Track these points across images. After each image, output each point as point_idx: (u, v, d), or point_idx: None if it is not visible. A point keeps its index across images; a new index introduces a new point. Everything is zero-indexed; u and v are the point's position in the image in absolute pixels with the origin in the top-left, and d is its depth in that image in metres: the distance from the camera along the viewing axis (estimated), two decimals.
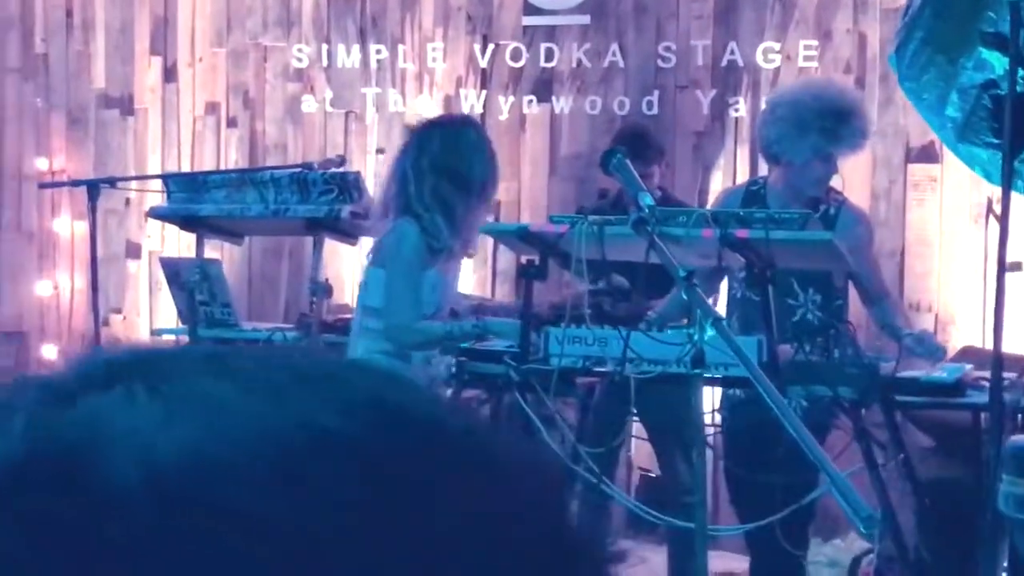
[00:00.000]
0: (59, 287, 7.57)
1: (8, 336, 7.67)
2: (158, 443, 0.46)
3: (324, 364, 0.53)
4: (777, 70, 6.08)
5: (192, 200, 5.52)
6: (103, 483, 0.46)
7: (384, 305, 4.26)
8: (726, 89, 6.20)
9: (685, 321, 4.01)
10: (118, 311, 7.39)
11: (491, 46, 6.61)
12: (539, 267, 4.03)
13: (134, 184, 6.47)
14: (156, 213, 5.84)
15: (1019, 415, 4.02)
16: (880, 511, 3.71)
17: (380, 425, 0.50)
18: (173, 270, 5.58)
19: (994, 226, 5.36)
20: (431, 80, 6.73)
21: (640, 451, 5.71)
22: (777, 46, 6.10)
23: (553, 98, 6.51)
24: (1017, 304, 4.92)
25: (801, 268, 4.22)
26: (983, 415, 4.01)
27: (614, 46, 6.39)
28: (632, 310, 4.09)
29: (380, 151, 6.81)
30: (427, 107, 6.66)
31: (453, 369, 4.31)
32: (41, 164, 7.57)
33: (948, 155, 5.08)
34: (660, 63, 6.32)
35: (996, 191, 4.40)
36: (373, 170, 6.70)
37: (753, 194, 4.51)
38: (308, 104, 6.97)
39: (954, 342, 5.42)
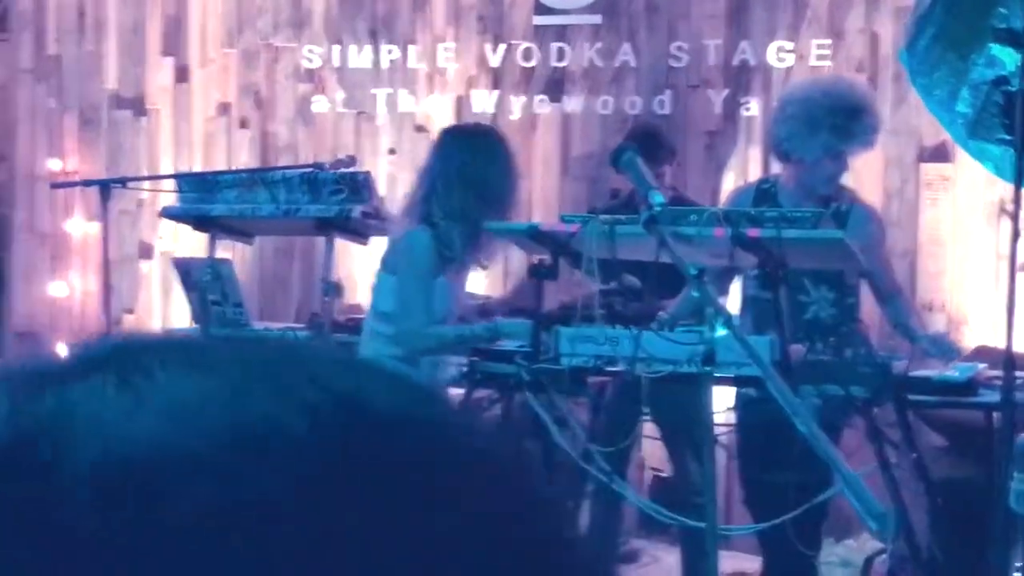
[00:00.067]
0: (72, 287, 7.59)
1: (21, 336, 7.69)
2: (117, 434, 0.47)
3: (302, 359, 0.52)
4: (789, 69, 6.07)
5: (203, 200, 5.53)
6: (56, 471, 0.46)
7: (396, 311, 4.27)
8: (738, 88, 6.18)
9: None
10: (130, 311, 7.40)
11: (502, 46, 6.60)
12: (550, 267, 4.02)
13: (146, 184, 6.48)
14: (168, 213, 5.85)
15: None
16: (893, 510, 3.70)
17: (341, 424, 0.49)
18: (185, 270, 5.59)
19: (1007, 225, 5.35)
20: (442, 80, 6.73)
21: (652, 451, 5.70)
22: (790, 45, 6.08)
23: (564, 98, 6.51)
24: None
25: (813, 267, 4.21)
26: (995, 414, 4.00)
27: (626, 45, 6.38)
28: (644, 310, 4.09)
29: (391, 151, 6.81)
30: (438, 108, 6.66)
31: (464, 369, 4.31)
32: (54, 165, 7.59)
33: (961, 154, 5.07)
34: (672, 62, 6.31)
35: (1008, 189, 4.38)
36: (384, 171, 6.70)
37: (764, 192, 4.50)
38: (319, 104, 6.98)
39: (967, 342, 5.40)
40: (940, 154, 5.81)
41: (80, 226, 7.54)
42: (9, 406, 0.48)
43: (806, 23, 6.06)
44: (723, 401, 4.45)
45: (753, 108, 6.14)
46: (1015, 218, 3.69)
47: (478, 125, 5.24)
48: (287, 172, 5.49)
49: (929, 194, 5.85)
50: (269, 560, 0.46)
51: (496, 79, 6.62)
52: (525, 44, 6.57)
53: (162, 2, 7.36)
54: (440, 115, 6.60)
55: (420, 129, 6.68)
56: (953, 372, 4.12)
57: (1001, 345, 3.77)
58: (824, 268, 4.26)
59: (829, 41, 6.02)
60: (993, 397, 3.89)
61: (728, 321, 3.27)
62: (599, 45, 6.44)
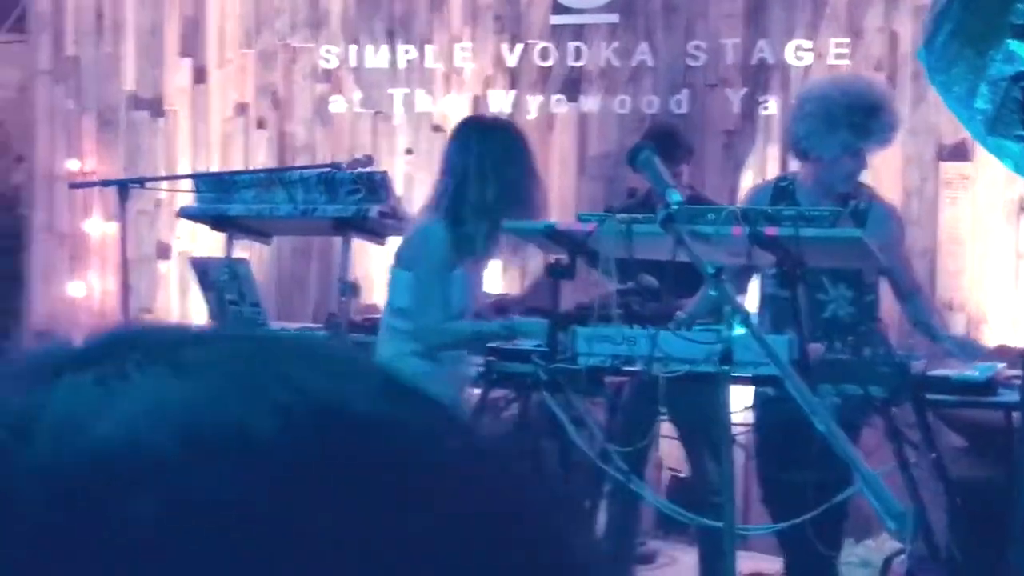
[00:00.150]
0: (90, 287, 7.61)
1: (40, 336, 7.71)
2: (81, 433, 0.47)
3: (282, 359, 0.51)
4: (808, 68, 6.05)
5: (221, 200, 5.53)
6: (15, 465, 0.46)
7: (412, 307, 4.26)
8: (756, 87, 6.17)
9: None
10: (149, 311, 7.41)
11: (519, 45, 6.59)
12: (567, 266, 4.01)
13: (164, 184, 6.49)
14: (186, 213, 5.86)
15: None
16: (912, 510, 3.68)
17: (313, 427, 0.48)
18: (202, 270, 5.59)
19: None
20: (459, 80, 6.73)
21: (669, 451, 5.68)
22: (808, 44, 6.06)
23: (582, 97, 6.50)
24: None
25: (831, 266, 4.20)
26: (1015, 414, 3.98)
27: (643, 45, 6.37)
28: (661, 310, 4.07)
29: (408, 151, 6.81)
30: (455, 107, 6.66)
31: (481, 369, 4.30)
32: (72, 165, 7.61)
33: (980, 153, 5.04)
34: (690, 62, 6.29)
35: None
36: (401, 170, 6.70)
37: (782, 190, 4.49)
38: (336, 104, 6.98)
39: (986, 341, 5.38)
40: (959, 152, 5.78)
41: (98, 226, 7.56)
42: None
43: (825, 21, 6.04)
44: (741, 400, 4.43)
45: (771, 107, 6.12)
46: None
47: (496, 118, 5.24)
48: (304, 172, 5.49)
49: (949, 193, 5.82)
50: (225, 565, 0.45)
51: (513, 79, 6.62)
52: (542, 43, 6.56)
53: (180, 3, 7.37)
54: (457, 115, 6.59)
55: (437, 129, 6.67)
56: (972, 372, 4.10)
57: (1021, 344, 3.76)
58: (842, 267, 4.24)
59: (848, 40, 6.00)
60: (1012, 397, 3.87)
61: (746, 320, 3.25)
62: (616, 44, 6.42)
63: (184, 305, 7.32)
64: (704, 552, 4.85)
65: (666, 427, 4.86)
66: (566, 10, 6.51)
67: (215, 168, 7.15)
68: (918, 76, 5.61)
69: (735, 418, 4.01)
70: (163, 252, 7.43)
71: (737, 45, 6.20)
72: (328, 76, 7.02)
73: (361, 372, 0.52)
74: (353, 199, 5.20)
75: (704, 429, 4.35)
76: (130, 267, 5.66)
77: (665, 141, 4.87)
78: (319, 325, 5.51)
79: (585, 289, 4.54)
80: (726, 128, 6.21)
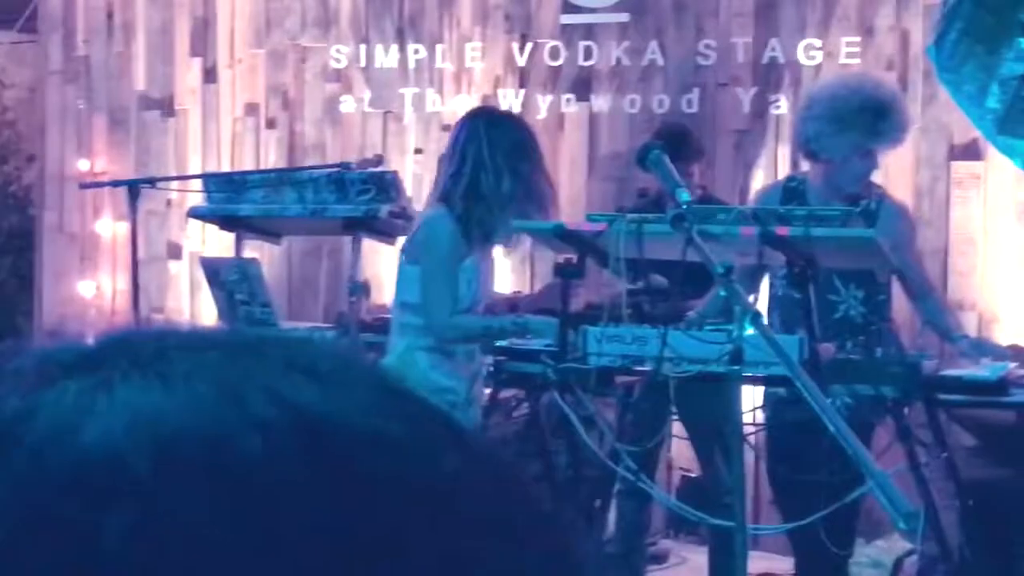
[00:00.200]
0: (101, 288, 7.62)
1: (51, 336, 7.70)
2: (58, 445, 0.47)
3: (272, 368, 0.50)
4: (819, 67, 6.04)
5: (231, 200, 5.54)
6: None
7: (421, 300, 4.24)
8: (767, 86, 6.15)
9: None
10: (160, 311, 7.42)
11: (529, 45, 6.59)
12: (576, 266, 4.01)
13: (174, 184, 6.50)
14: (196, 213, 5.87)
15: None
16: (923, 511, 3.67)
17: (295, 443, 0.47)
18: (213, 270, 5.60)
19: None
20: (469, 80, 6.72)
21: (681, 451, 5.68)
22: (819, 43, 6.05)
23: (592, 97, 6.49)
24: None
25: (842, 266, 4.18)
26: None
27: (653, 44, 6.36)
28: (671, 310, 4.06)
29: (418, 151, 6.81)
30: (465, 107, 6.65)
31: (491, 368, 4.29)
32: (83, 165, 7.62)
33: (992, 152, 5.03)
34: (700, 61, 6.28)
35: None
36: (411, 170, 6.70)
37: (792, 190, 4.47)
38: (346, 104, 6.98)
39: (998, 340, 5.36)
40: (971, 152, 5.77)
41: (109, 226, 7.57)
42: None
43: (835, 20, 6.03)
44: (751, 400, 4.42)
45: (782, 106, 6.11)
46: None
47: (503, 110, 5.22)
48: (314, 172, 5.50)
49: (960, 192, 5.81)
50: None
51: (523, 78, 6.61)
52: (552, 43, 6.55)
53: (190, 3, 7.38)
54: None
55: (447, 128, 6.65)
56: (984, 371, 4.09)
57: None
58: (854, 267, 4.23)
59: (858, 38, 5.98)
60: None
61: (756, 319, 3.24)
62: (626, 44, 6.42)
63: (194, 305, 7.32)
64: (715, 552, 4.84)
65: (677, 427, 4.86)
66: (576, 9, 6.51)
67: (225, 168, 7.16)
68: (929, 75, 5.60)
69: (746, 418, 4.00)
70: (174, 252, 7.43)
71: (748, 44, 6.19)
72: (338, 76, 7.02)
73: (357, 382, 0.51)
74: (363, 199, 5.21)
75: (714, 429, 4.34)
76: (140, 267, 5.67)
77: (675, 141, 4.86)
78: (329, 325, 5.51)
79: (596, 289, 4.54)
80: (737, 127, 6.20)
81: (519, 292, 5.74)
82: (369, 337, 5.02)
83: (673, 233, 3.47)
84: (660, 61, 6.36)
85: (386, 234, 5.28)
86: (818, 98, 4.38)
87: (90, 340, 0.52)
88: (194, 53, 7.39)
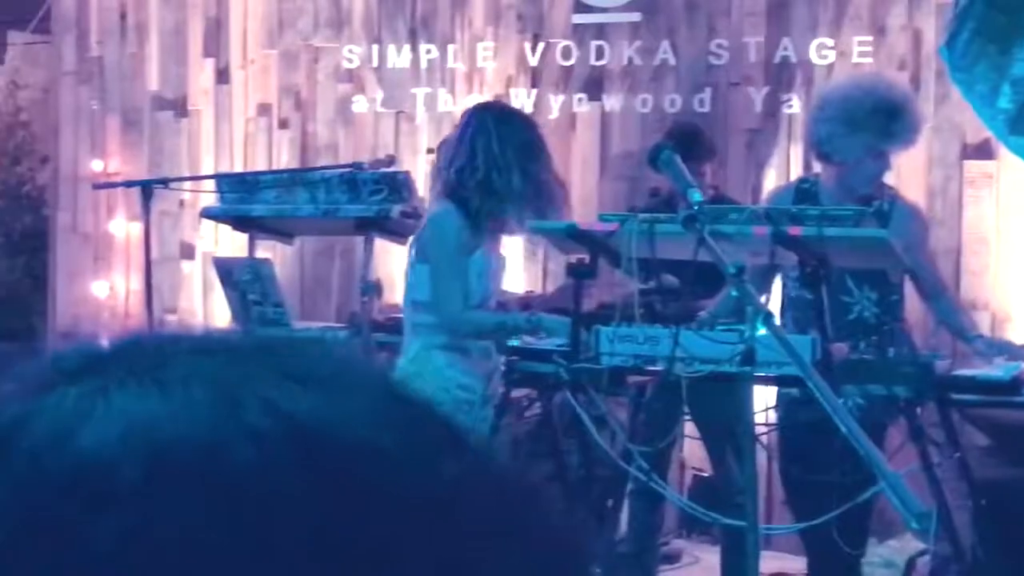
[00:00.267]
0: (114, 288, 7.63)
1: (64, 336, 7.74)
2: (54, 451, 0.47)
3: (270, 376, 0.50)
4: (831, 66, 6.03)
5: (243, 200, 5.55)
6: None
7: (432, 295, 4.24)
8: (779, 86, 6.15)
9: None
10: (173, 311, 7.44)
11: (541, 45, 6.59)
12: (589, 266, 4.01)
13: (187, 185, 6.51)
14: (208, 213, 5.89)
15: None
16: (935, 510, 3.67)
17: (289, 453, 0.47)
18: (225, 270, 5.61)
19: None
20: (481, 80, 6.73)
21: (693, 451, 5.67)
22: (831, 42, 6.04)
23: (604, 96, 6.49)
24: None
25: (855, 266, 4.18)
26: None
27: (665, 43, 6.36)
28: (683, 310, 4.06)
29: (430, 151, 6.80)
30: None
31: (503, 367, 4.29)
32: (96, 166, 7.64)
33: (1004, 152, 5.02)
34: (712, 60, 6.28)
35: None
36: (423, 170, 6.70)
37: (804, 192, 4.47)
38: (359, 104, 6.99)
39: (1011, 340, 5.34)
40: (983, 151, 5.75)
41: (122, 226, 7.59)
42: None
43: (848, 20, 6.02)
44: (764, 400, 4.42)
45: (794, 105, 6.10)
46: None
47: (509, 105, 5.22)
48: (326, 172, 5.51)
49: (972, 192, 5.79)
50: None
51: (535, 78, 6.61)
52: (564, 42, 6.55)
53: (203, 4, 7.39)
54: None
55: None
56: (997, 371, 4.08)
57: None
58: (866, 267, 4.22)
59: (871, 38, 5.97)
60: None
61: (768, 320, 3.24)
62: (638, 43, 6.41)
63: (207, 305, 7.34)
64: (727, 551, 4.84)
65: (689, 427, 4.86)
66: (588, 9, 6.51)
67: (238, 168, 7.17)
68: (942, 74, 5.59)
69: (758, 418, 4.00)
70: (187, 252, 7.45)
71: (760, 44, 6.18)
72: (350, 76, 7.03)
73: (357, 389, 0.51)
74: (375, 199, 5.22)
75: (727, 429, 4.33)
76: (154, 267, 5.68)
77: (687, 140, 4.87)
78: (342, 325, 5.52)
79: (609, 289, 4.54)
80: (749, 127, 6.20)
81: (532, 292, 5.74)
82: (381, 337, 5.03)
83: (685, 233, 3.47)
84: (672, 61, 6.35)
85: (398, 234, 5.29)
86: (830, 100, 4.37)
87: (95, 344, 0.52)
88: (207, 54, 7.40)
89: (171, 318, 7.42)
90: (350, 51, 7.01)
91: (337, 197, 5.31)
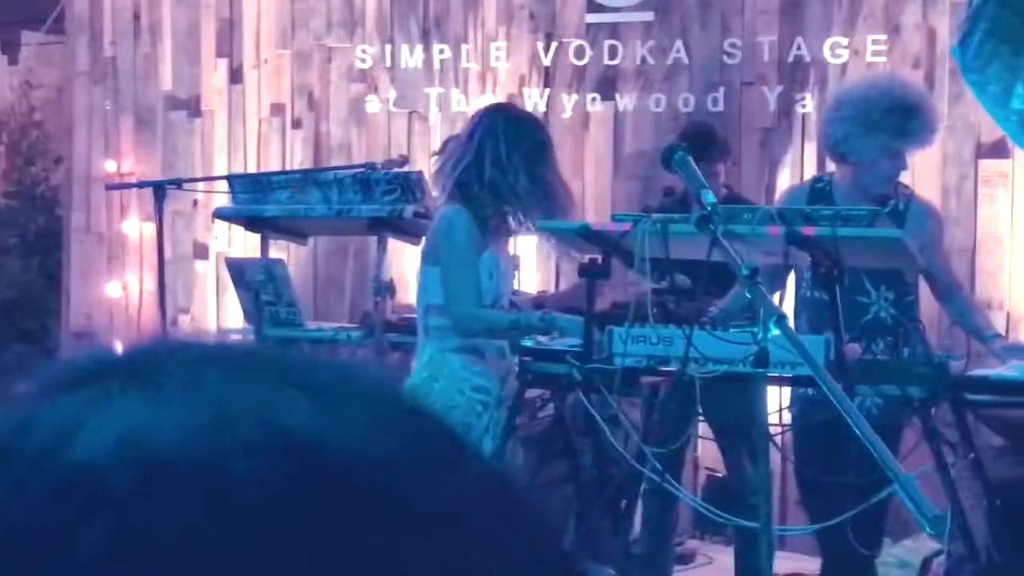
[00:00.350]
0: (128, 288, 7.65)
1: (78, 336, 7.75)
2: (49, 458, 0.47)
3: (267, 387, 0.50)
4: (845, 65, 6.01)
5: (257, 201, 5.56)
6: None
7: (445, 298, 4.24)
8: (793, 85, 6.13)
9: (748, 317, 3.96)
10: (186, 311, 7.45)
11: (554, 44, 6.59)
12: (602, 266, 4.00)
13: (200, 185, 6.52)
14: (221, 214, 5.90)
15: None
16: (950, 511, 3.65)
17: (282, 466, 0.46)
18: (238, 270, 5.61)
19: None
20: (494, 79, 6.72)
21: (707, 451, 5.67)
22: (845, 41, 6.03)
23: (617, 96, 6.48)
24: None
25: (869, 266, 4.16)
26: None
27: (678, 43, 6.35)
28: (697, 310, 4.05)
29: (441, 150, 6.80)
30: None
31: (516, 368, 4.29)
32: (110, 166, 7.65)
33: (1019, 151, 5.00)
34: (725, 59, 6.27)
35: None
36: (434, 170, 6.70)
37: (819, 192, 4.45)
38: (372, 104, 6.99)
39: None
40: (998, 150, 5.73)
41: (136, 227, 7.60)
42: None
43: (862, 18, 6.00)
44: (778, 400, 4.41)
45: (808, 105, 6.09)
46: None
47: (519, 107, 5.21)
48: (340, 172, 5.52)
49: (987, 191, 5.78)
50: None
51: (548, 77, 6.61)
52: (577, 42, 6.55)
53: (216, 4, 7.40)
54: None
55: None
56: (1011, 371, 4.06)
57: None
58: (880, 267, 4.21)
59: (885, 36, 5.96)
60: None
61: (781, 322, 3.23)
62: (651, 42, 6.41)
63: (220, 306, 7.35)
64: (740, 552, 4.83)
65: (702, 427, 4.85)
66: (601, 8, 6.50)
67: (251, 168, 7.18)
68: (956, 73, 5.56)
69: (772, 418, 3.99)
70: (200, 252, 7.46)
71: (773, 43, 6.17)
72: (363, 76, 7.03)
73: (356, 402, 0.50)
74: (388, 199, 5.22)
75: (740, 429, 4.33)
76: (167, 267, 5.69)
77: (701, 140, 4.86)
78: (355, 325, 5.52)
79: (623, 289, 4.53)
80: (763, 126, 6.18)
81: (544, 291, 5.73)
82: (394, 337, 5.04)
83: (699, 233, 3.47)
84: (685, 60, 6.34)
85: (411, 234, 5.29)
86: (846, 100, 4.36)
87: (102, 350, 0.52)
88: (220, 54, 7.41)
89: (184, 318, 7.43)
90: (363, 51, 7.01)
91: (350, 197, 5.32)
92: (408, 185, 5.22)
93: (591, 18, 6.52)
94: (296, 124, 7.22)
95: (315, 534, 0.45)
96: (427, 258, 4.36)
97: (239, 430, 0.47)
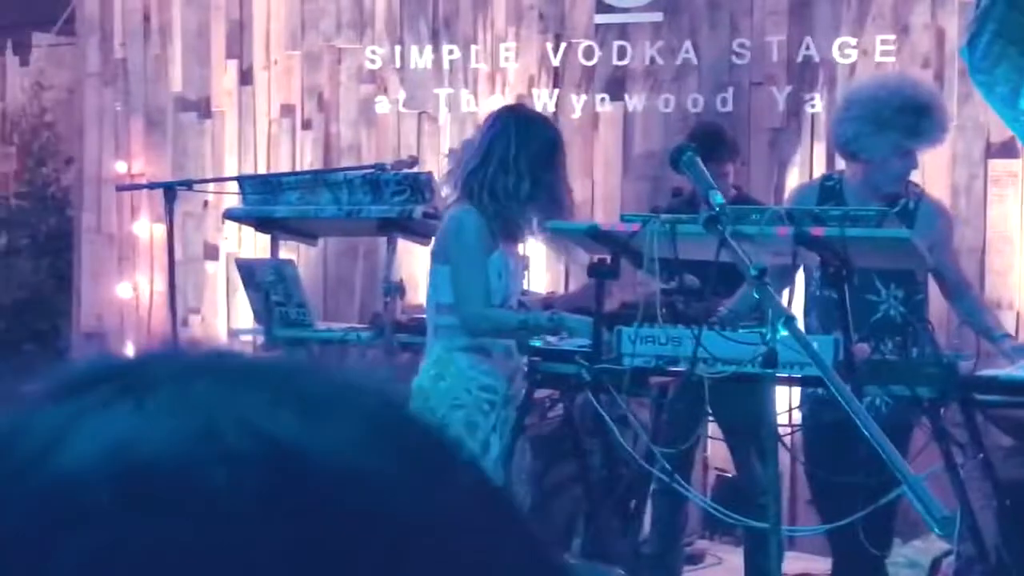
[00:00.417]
0: (138, 288, 7.66)
1: (88, 337, 7.77)
2: (41, 465, 0.47)
3: (255, 395, 0.49)
4: (853, 65, 6.01)
5: (267, 202, 5.57)
6: None
7: (454, 297, 4.24)
8: (802, 85, 6.13)
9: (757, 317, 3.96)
10: (196, 312, 7.47)
11: (563, 45, 6.59)
12: (610, 266, 4.00)
13: (211, 186, 6.53)
14: (231, 215, 5.91)
15: None
16: (959, 512, 3.65)
17: (264, 476, 0.46)
18: (248, 271, 5.63)
19: None
20: (503, 80, 6.73)
21: (716, 451, 5.67)
22: (853, 41, 6.02)
23: (626, 96, 6.48)
24: None
25: (878, 266, 4.17)
26: None
27: (687, 43, 6.35)
28: (706, 310, 4.06)
29: (452, 151, 6.81)
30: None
31: (525, 368, 4.29)
32: (120, 167, 7.67)
33: None
34: (734, 59, 6.27)
35: None
36: (445, 171, 6.70)
37: (829, 190, 4.45)
38: (382, 105, 7.00)
39: None
40: (1008, 150, 5.73)
41: (146, 227, 7.62)
42: None
43: (870, 18, 6.00)
44: (788, 400, 4.41)
45: (817, 105, 6.09)
46: None
47: (536, 111, 5.22)
48: (349, 173, 5.52)
49: (996, 190, 5.77)
50: None
51: (557, 78, 6.61)
52: (586, 43, 6.55)
53: (226, 5, 7.42)
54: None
55: None
56: (1021, 372, 4.06)
57: None
58: (889, 267, 4.21)
59: (893, 36, 5.95)
60: None
61: (790, 323, 3.23)
62: (660, 43, 6.41)
63: (231, 306, 7.36)
64: (750, 552, 4.83)
65: (712, 427, 4.85)
66: (610, 9, 6.50)
67: (261, 169, 7.19)
68: (965, 73, 5.56)
69: (781, 418, 3.99)
70: (210, 253, 7.47)
71: (782, 43, 6.17)
72: (373, 77, 7.04)
73: (349, 414, 0.50)
74: (398, 200, 5.23)
75: (749, 430, 4.33)
76: (177, 268, 5.70)
77: (710, 140, 4.86)
78: (365, 325, 5.53)
79: (632, 289, 4.53)
80: (771, 126, 6.18)
81: (553, 292, 5.74)
82: (404, 337, 5.04)
83: (707, 234, 3.47)
84: (694, 60, 6.34)
85: (420, 235, 5.30)
86: (856, 99, 4.35)
87: (100, 359, 0.52)
88: (230, 55, 7.42)
89: (195, 319, 7.45)
90: (372, 52, 7.02)
91: (360, 198, 5.32)
92: (418, 186, 5.23)
93: (600, 19, 6.53)
94: (306, 125, 7.24)
95: (299, 547, 0.45)
96: (437, 257, 4.37)
97: (226, 441, 0.47)
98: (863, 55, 6.00)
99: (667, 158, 3.91)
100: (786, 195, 5.60)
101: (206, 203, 7.23)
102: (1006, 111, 4.07)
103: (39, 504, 0.46)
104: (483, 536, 0.49)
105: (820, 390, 3.95)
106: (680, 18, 6.38)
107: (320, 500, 0.46)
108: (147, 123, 7.66)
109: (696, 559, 5.67)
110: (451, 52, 6.83)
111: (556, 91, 6.60)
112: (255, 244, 6.96)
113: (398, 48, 6.96)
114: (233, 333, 7.00)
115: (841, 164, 4.71)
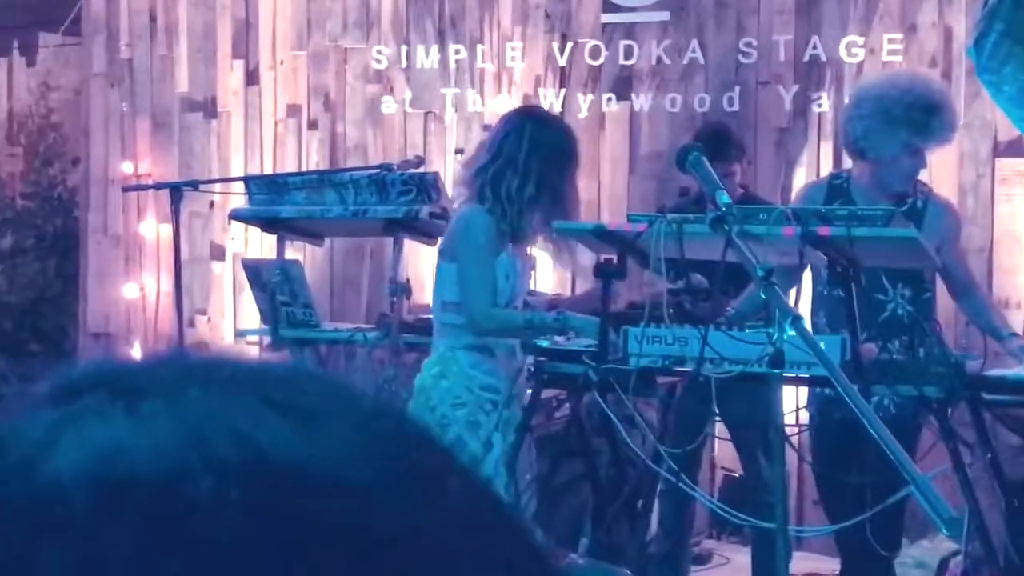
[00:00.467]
0: (145, 289, 7.67)
1: (95, 338, 7.78)
2: (28, 471, 0.47)
3: (244, 401, 0.49)
4: (861, 64, 6.00)
5: (273, 202, 5.57)
6: None
7: (460, 296, 4.24)
8: (809, 84, 6.12)
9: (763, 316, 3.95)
10: (203, 312, 7.47)
11: (570, 44, 6.58)
12: (617, 266, 4.00)
13: (217, 187, 6.53)
14: (237, 215, 5.91)
15: None
16: (967, 511, 3.64)
17: (248, 486, 0.46)
18: (255, 271, 5.63)
19: None
20: (510, 79, 6.72)
21: (723, 451, 5.66)
22: (861, 40, 6.01)
23: (633, 96, 6.48)
24: None
25: (885, 265, 4.16)
26: None
27: (694, 42, 6.34)
28: (712, 310, 4.05)
29: (459, 151, 6.81)
30: (506, 107, 6.65)
31: (531, 368, 4.29)
32: (126, 168, 7.67)
33: None
34: (741, 59, 6.26)
35: None
36: (452, 171, 6.70)
37: (836, 188, 4.44)
38: (388, 105, 7.00)
39: None
40: (1015, 149, 5.72)
41: (153, 228, 7.62)
42: None
43: (878, 17, 5.99)
44: (795, 400, 4.40)
45: (824, 104, 6.08)
46: None
47: (552, 115, 5.21)
48: (355, 173, 5.52)
49: (1004, 189, 5.76)
50: None
51: (564, 77, 6.61)
52: (593, 42, 6.54)
53: (232, 5, 7.42)
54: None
55: (488, 128, 6.66)
56: None
57: None
58: (896, 266, 4.20)
59: (901, 35, 5.94)
60: None
61: (797, 323, 3.22)
62: (667, 42, 6.40)
63: (237, 306, 7.36)
64: (757, 552, 4.83)
65: (719, 427, 4.84)
66: (616, 8, 6.50)
67: (267, 169, 7.19)
68: (973, 72, 5.54)
69: (788, 418, 3.98)
70: (217, 253, 7.47)
71: (789, 42, 6.16)
72: (379, 77, 7.04)
73: (340, 424, 0.49)
74: (404, 200, 5.22)
75: (757, 430, 4.32)
76: (184, 269, 5.70)
77: (717, 140, 4.85)
78: (371, 326, 5.53)
79: (639, 289, 4.53)
80: (778, 126, 6.18)
81: (560, 294, 5.73)
82: (410, 337, 5.04)
83: (714, 233, 3.46)
84: (701, 60, 6.34)
85: (427, 235, 5.29)
86: (866, 97, 4.34)
87: (94, 365, 0.52)
88: (236, 55, 7.42)
89: (201, 319, 7.45)
90: (379, 52, 7.02)
91: (366, 198, 5.32)
92: (424, 186, 5.22)
93: (607, 18, 6.52)
94: (312, 125, 7.24)
95: (282, 559, 0.44)
96: (444, 255, 4.38)
97: (212, 449, 0.46)
98: (870, 54, 5.99)
99: (673, 158, 3.91)
100: (793, 194, 5.59)
101: (212, 203, 7.23)
102: (1013, 110, 4.05)
103: (22, 511, 0.45)
104: (476, 546, 0.49)
105: (827, 390, 3.95)
106: (687, 17, 6.37)
107: (306, 512, 0.46)
108: (153, 123, 7.66)
109: (703, 559, 5.67)
110: (457, 52, 6.83)
111: (563, 91, 6.59)
112: (261, 244, 6.96)
113: (404, 48, 6.96)
114: (239, 333, 7.00)
115: (848, 163, 4.69)
